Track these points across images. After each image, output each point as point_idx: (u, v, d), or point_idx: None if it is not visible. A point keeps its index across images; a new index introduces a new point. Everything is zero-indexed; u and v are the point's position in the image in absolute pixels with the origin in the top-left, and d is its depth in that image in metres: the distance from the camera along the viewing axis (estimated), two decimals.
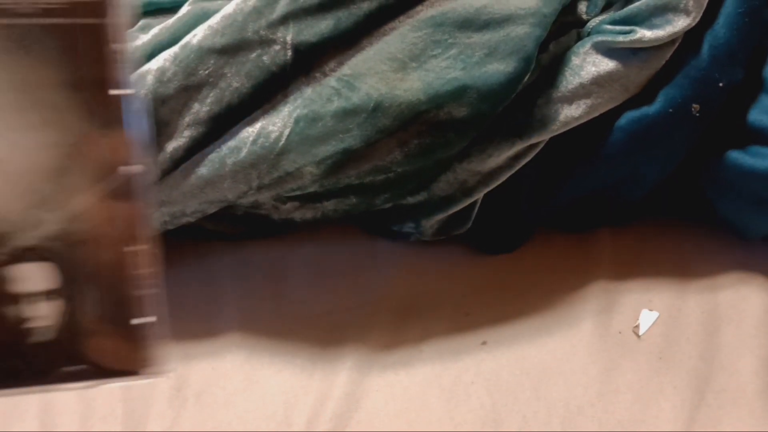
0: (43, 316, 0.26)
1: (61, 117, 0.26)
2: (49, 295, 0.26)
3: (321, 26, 0.44)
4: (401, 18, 0.45)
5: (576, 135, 0.48)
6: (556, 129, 0.46)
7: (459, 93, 0.44)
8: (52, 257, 0.26)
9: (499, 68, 0.44)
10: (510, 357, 0.48)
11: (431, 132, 0.45)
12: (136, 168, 0.26)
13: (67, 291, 0.26)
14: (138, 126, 0.26)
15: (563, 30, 0.48)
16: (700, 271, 0.52)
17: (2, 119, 0.26)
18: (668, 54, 0.47)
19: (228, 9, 0.44)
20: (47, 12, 0.26)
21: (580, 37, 0.48)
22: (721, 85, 0.47)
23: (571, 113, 0.46)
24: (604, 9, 0.48)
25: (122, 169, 0.26)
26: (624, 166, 0.49)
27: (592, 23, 0.48)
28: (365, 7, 0.44)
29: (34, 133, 0.26)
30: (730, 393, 0.46)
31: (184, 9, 0.47)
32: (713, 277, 0.52)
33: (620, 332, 0.49)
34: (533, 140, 0.47)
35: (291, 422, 0.45)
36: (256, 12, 0.43)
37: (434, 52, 0.44)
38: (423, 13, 0.45)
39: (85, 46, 0.26)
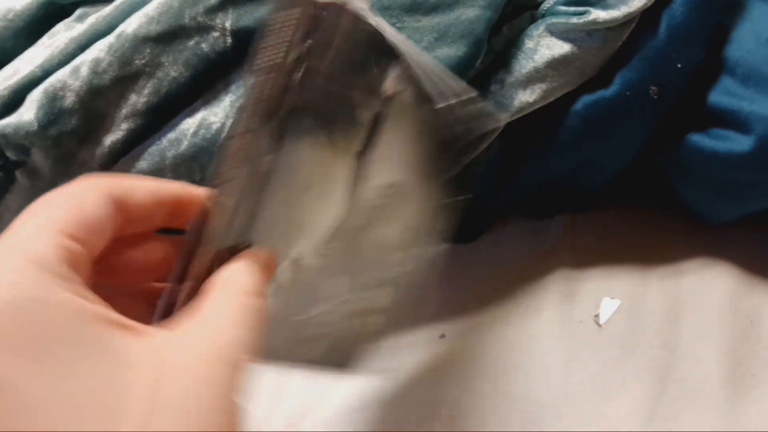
0: None
1: None
2: None
3: (262, 11, 0.42)
4: None
5: (532, 121, 0.46)
6: (510, 115, 0.45)
7: None
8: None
9: (449, 53, 0.43)
10: (469, 350, 0.47)
11: None
12: None
13: None
14: None
15: (517, 12, 0.47)
16: (663, 257, 0.51)
17: None
18: (625, 35, 0.45)
19: None
20: None
21: (534, 19, 0.47)
22: (679, 65, 0.46)
23: (525, 98, 0.45)
24: None
25: None
26: (582, 151, 0.47)
27: (546, 4, 0.46)
28: None
29: None
30: (692, 382, 0.45)
31: None
32: (676, 263, 0.51)
33: (581, 321, 0.48)
34: (487, 128, 0.45)
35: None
36: None
37: None
38: None
39: None
